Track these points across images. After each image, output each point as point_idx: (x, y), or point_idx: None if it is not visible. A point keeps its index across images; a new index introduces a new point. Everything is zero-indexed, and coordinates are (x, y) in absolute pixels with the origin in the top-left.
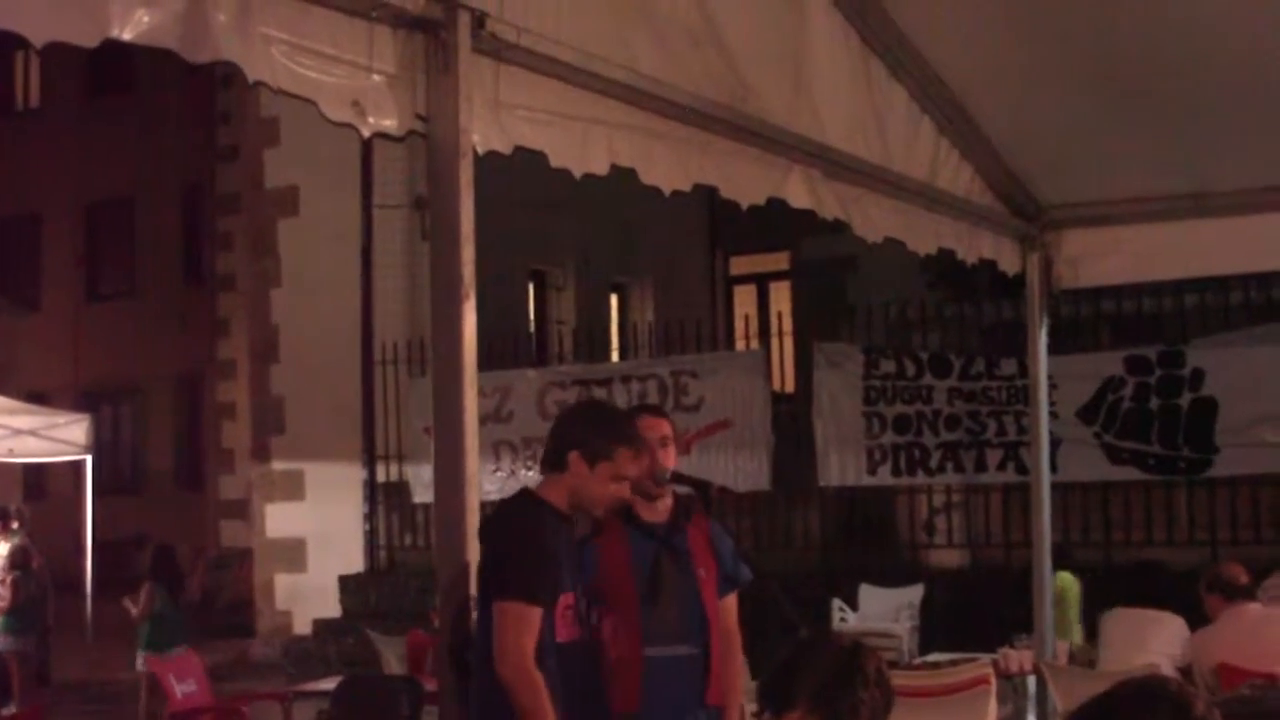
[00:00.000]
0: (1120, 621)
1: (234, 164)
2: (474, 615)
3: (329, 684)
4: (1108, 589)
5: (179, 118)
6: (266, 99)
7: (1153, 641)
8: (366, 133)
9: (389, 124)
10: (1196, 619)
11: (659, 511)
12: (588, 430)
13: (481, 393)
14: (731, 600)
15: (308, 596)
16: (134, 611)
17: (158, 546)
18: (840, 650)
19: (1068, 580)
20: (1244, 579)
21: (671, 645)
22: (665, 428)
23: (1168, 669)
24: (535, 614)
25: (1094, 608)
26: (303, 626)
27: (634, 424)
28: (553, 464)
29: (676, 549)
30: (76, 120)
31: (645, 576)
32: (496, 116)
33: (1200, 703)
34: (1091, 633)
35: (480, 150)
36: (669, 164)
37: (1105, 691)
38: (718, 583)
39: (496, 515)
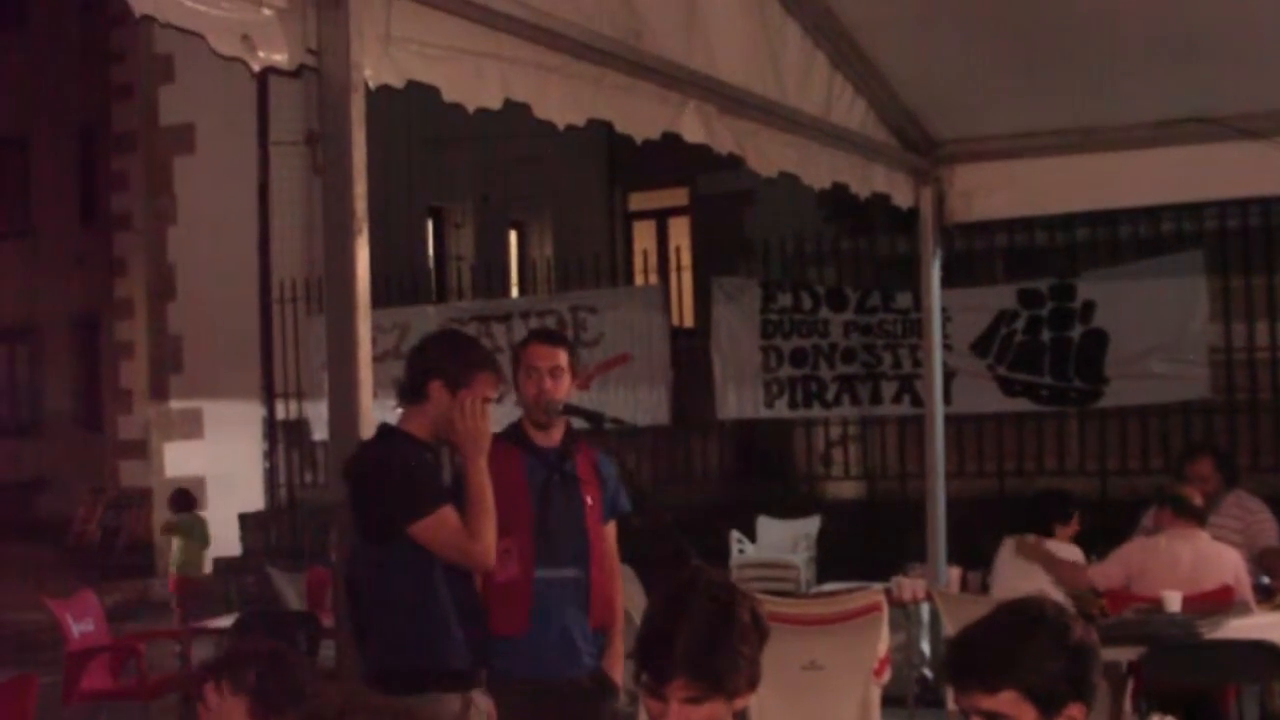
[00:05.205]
0: (1010, 549)
1: (128, 102)
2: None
3: (226, 622)
4: (1001, 518)
5: (73, 56)
6: (160, 36)
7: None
8: (256, 67)
9: (279, 58)
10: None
11: (551, 438)
12: (446, 358)
13: (381, 329)
14: (612, 526)
15: None
16: None
17: None
18: (712, 609)
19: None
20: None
21: (560, 568)
22: (559, 357)
23: (1058, 597)
24: (452, 510)
25: (988, 536)
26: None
27: (487, 350)
28: (412, 395)
29: (567, 474)
30: None
31: (539, 500)
32: (388, 50)
33: (1078, 626)
34: (977, 562)
35: (372, 85)
36: (563, 98)
37: (986, 615)
38: (601, 509)
39: (357, 453)
